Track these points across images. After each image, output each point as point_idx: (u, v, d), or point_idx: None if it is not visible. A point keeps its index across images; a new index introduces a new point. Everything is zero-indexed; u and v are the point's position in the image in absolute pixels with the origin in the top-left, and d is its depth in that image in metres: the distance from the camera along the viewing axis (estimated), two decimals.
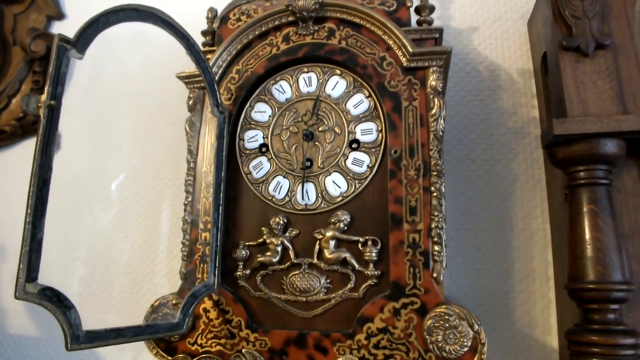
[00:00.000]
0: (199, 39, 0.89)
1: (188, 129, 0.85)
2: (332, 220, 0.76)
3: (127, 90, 1.25)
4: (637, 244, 0.71)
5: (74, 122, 1.21)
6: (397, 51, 0.77)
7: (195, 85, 0.86)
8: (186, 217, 0.82)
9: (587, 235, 0.69)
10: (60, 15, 1.38)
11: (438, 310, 0.68)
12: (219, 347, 0.75)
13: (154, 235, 1.13)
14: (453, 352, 0.66)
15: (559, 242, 0.85)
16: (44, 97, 0.58)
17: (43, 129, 0.57)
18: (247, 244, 0.79)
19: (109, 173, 1.21)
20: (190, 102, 0.86)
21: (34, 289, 0.54)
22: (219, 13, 0.92)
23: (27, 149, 1.30)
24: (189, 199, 0.82)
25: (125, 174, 1.20)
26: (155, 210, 1.14)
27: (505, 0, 1.04)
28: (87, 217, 1.20)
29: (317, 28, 0.82)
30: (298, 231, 0.78)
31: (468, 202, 0.97)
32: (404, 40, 0.76)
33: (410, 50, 0.76)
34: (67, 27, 1.36)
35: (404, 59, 0.77)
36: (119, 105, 1.25)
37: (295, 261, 0.76)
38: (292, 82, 0.84)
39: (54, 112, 0.58)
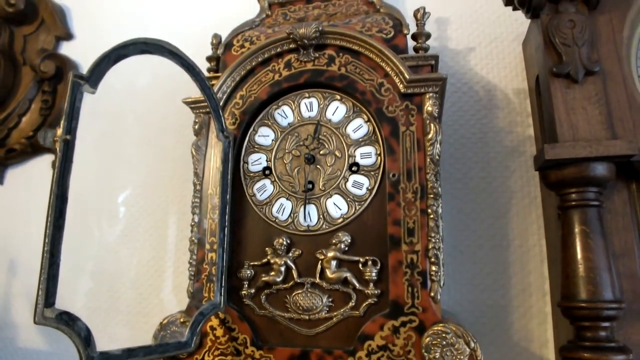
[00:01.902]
0: (203, 63, 0.93)
1: (194, 153, 0.88)
2: (334, 241, 0.79)
3: (135, 109, 1.28)
4: (627, 262, 0.74)
5: (82, 138, 1.25)
6: (394, 78, 0.81)
7: (201, 110, 0.89)
8: (193, 238, 0.85)
9: (579, 255, 0.71)
10: (68, 36, 1.42)
11: (436, 328, 0.71)
12: None
13: (160, 251, 1.16)
14: None
15: (554, 258, 0.88)
16: (59, 131, 0.61)
17: (59, 162, 0.60)
18: (251, 263, 0.83)
19: (117, 189, 1.25)
20: (196, 127, 0.89)
21: (52, 313, 0.57)
22: (223, 39, 0.96)
23: (36, 166, 1.34)
24: (196, 220, 0.85)
25: (132, 189, 1.23)
26: (161, 227, 1.18)
27: (501, 22, 1.08)
28: (94, 231, 1.23)
29: (317, 55, 0.86)
30: (301, 251, 0.81)
31: (466, 218, 0.99)
32: (400, 68, 0.79)
33: (407, 77, 0.79)
34: (75, 48, 1.41)
35: (401, 86, 0.80)
36: (126, 124, 1.28)
37: (299, 280, 0.79)
38: (294, 107, 0.87)
39: (69, 146, 0.61)
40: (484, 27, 1.08)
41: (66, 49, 1.42)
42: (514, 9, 0.89)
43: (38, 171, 1.32)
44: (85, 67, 1.38)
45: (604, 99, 0.74)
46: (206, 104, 0.83)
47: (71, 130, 0.62)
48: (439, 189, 0.77)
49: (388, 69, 0.81)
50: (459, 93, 1.05)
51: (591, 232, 0.72)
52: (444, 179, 1.00)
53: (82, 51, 1.39)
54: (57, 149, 0.61)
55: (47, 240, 0.58)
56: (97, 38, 1.38)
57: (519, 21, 1.06)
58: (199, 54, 0.97)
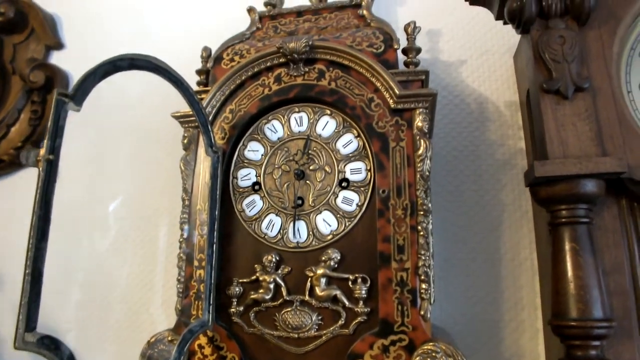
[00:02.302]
0: (192, 75, 0.92)
1: (183, 168, 0.87)
2: (323, 258, 0.78)
3: (126, 119, 1.27)
4: (618, 279, 0.73)
5: (72, 148, 1.24)
6: (384, 93, 0.80)
7: (190, 124, 0.89)
8: (181, 254, 0.84)
9: (569, 273, 0.71)
10: (59, 45, 1.41)
11: (425, 347, 0.70)
12: None
13: (150, 264, 1.15)
14: None
15: (545, 272, 0.88)
16: (42, 151, 0.60)
17: (42, 183, 0.59)
18: (240, 280, 0.82)
19: (107, 198, 1.24)
20: (185, 141, 0.89)
21: (33, 338, 0.56)
22: (213, 52, 0.95)
23: (25, 177, 1.32)
24: (184, 236, 0.84)
25: (123, 198, 1.22)
26: (151, 239, 1.16)
27: (492, 34, 1.08)
28: (85, 241, 1.22)
29: (307, 69, 0.85)
30: (290, 268, 0.80)
31: (459, 231, 0.99)
32: (391, 83, 0.79)
33: (397, 92, 0.78)
34: (65, 57, 1.39)
35: (391, 101, 0.79)
36: (116, 134, 1.27)
37: (288, 298, 0.78)
38: (283, 122, 0.86)
39: (52, 166, 0.60)
40: (475, 40, 1.08)
41: (57, 58, 1.40)
42: (505, 23, 0.89)
43: (26, 183, 1.31)
44: (75, 77, 1.38)
45: (594, 115, 0.74)
46: (195, 118, 0.83)
47: (54, 149, 0.61)
48: (429, 205, 0.76)
49: (378, 84, 0.81)
50: (450, 105, 1.05)
51: (581, 249, 0.72)
52: (435, 192, 0.99)
53: (72, 61, 1.38)
54: (40, 169, 0.60)
55: (28, 263, 0.57)
56: (88, 48, 1.37)
57: (510, 33, 1.05)
58: (189, 66, 0.97)
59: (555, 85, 0.74)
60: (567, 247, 0.72)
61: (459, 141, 1.03)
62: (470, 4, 0.91)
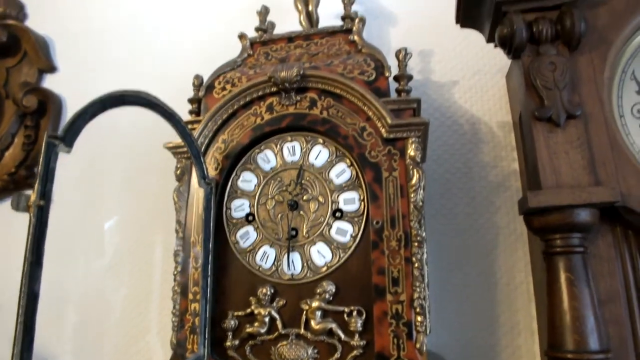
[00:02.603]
0: (184, 104, 0.92)
1: (176, 199, 0.87)
2: (318, 290, 0.78)
3: (119, 144, 1.27)
4: (613, 309, 0.73)
5: (66, 170, 1.24)
6: (376, 122, 0.80)
7: (183, 155, 0.88)
8: (176, 287, 0.83)
9: (565, 304, 0.71)
10: (52, 69, 1.40)
11: None
12: None
13: (146, 289, 1.14)
14: None
15: (541, 297, 0.87)
16: (33, 196, 0.59)
17: (34, 229, 0.58)
18: (235, 314, 0.81)
19: (102, 219, 1.23)
20: (178, 172, 0.88)
21: None
22: (204, 80, 0.95)
23: None
24: (178, 269, 0.84)
25: (118, 217, 1.22)
26: (147, 263, 1.16)
27: (483, 54, 1.08)
28: (80, 263, 1.22)
29: (299, 98, 0.85)
30: (285, 301, 0.80)
31: (453, 255, 0.99)
32: (382, 112, 0.79)
33: (389, 121, 0.78)
34: (58, 80, 1.39)
35: (383, 130, 0.79)
36: (111, 159, 1.27)
37: (283, 332, 0.78)
38: (276, 151, 0.86)
39: (43, 212, 0.59)
40: (467, 60, 1.08)
41: (50, 81, 1.40)
42: (496, 46, 0.89)
43: None
44: (69, 101, 1.38)
45: (586, 142, 0.74)
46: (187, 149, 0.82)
47: (45, 193, 0.61)
48: (424, 236, 0.76)
49: (370, 113, 0.81)
50: (443, 127, 1.04)
51: (576, 279, 0.71)
52: (429, 215, 0.99)
53: (65, 84, 1.38)
54: (31, 215, 0.59)
55: (21, 312, 0.56)
56: (81, 71, 1.36)
57: (502, 54, 1.05)
58: (183, 90, 0.97)
59: (547, 113, 0.74)
60: (562, 277, 0.72)
61: (451, 163, 1.03)
62: (462, 26, 0.91)
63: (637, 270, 0.74)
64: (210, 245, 0.82)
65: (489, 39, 0.89)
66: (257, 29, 1.00)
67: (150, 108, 0.73)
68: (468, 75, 1.07)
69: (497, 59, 1.06)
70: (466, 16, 0.88)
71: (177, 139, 0.84)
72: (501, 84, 1.05)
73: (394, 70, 0.85)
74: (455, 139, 1.04)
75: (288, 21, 1.07)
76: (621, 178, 0.72)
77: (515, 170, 0.99)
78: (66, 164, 1.26)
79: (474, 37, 1.08)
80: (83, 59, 1.38)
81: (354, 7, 1.00)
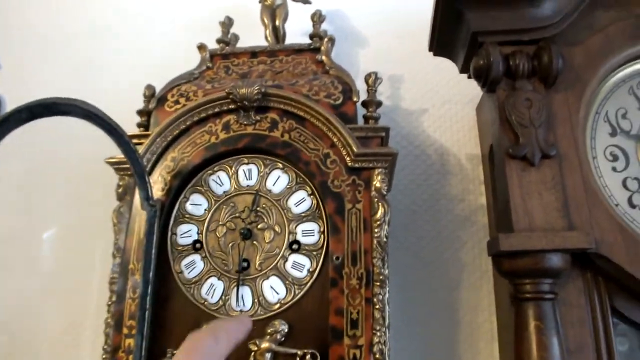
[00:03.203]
0: (133, 116, 0.84)
1: (115, 221, 0.78)
2: (269, 330, 0.70)
3: (61, 150, 1.16)
4: (582, 359, 0.69)
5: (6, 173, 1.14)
6: (341, 149, 0.74)
7: (126, 172, 0.80)
8: (109, 320, 0.74)
9: (534, 354, 0.66)
10: None
11: None
12: None
13: (80, 316, 1.03)
14: None
15: (506, 339, 0.83)
16: None
17: None
18: (175, 352, 0.72)
19: (39, 230, 1.12)
20: (120, 191, 0.80)
21: None
22: (157, 91, 0.87)
23: None
24: (113, 299, 0.75)
25: (57, 229, 1.11)
26: (84, 287, 1.05)
27: (454, 83, 1.04)
28: (13, 277, 1.10)
29: (259, 118, 0.78)
30: None
31: (415, 290, 0.93)
32: (348, 139, 0.73)
33: (355, 150, 0.73)
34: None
35: (348, 159, 0.73)
36: (50, 168, 1.16)
37: None
38: (231, 174, 0.79)
39: None
40: (438, 88, 1.04)
41: None
42: (469, 77, 0.85)
43: None
44: (10, 101, 1.26)
45: (560, 183, 0.70)
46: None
47: None
48: (387, 274, 0.70)
49: (335, 139, 0.75)
50: (410, 156, 1.00)
51: (545, 327, 0.67)
52: (393, 248, 0.93)
53: (7, 83, 1.26)
54: None
55: None
56: (25, 71, 1.25)
57: (473, 84, 1.01)
58: (134, 101, 0.89)
59: (522, 151, 0.70)
60: (531, 325, 0.67)
61: (418, 194, 0.98)
62: (435, 54, 0.87)
63: (606, 318, 0.70)
64: (151, 275, 0.74)
65: (463, 70, 0.86)
66: (218, 41, 0.93)
67: (87, 119, 0.65)
68: (438, 104, 1.04)
69: (469, 90, 1.02)
70: (440, 44, 0.84)
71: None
72: (471, 116, 1.02)
73: (362, 95, 0.80)
74: (423, 169, 0.99)
75: (253, 35, 1.00)
76: (594, 222, 0.69)
77: (482, 205, 0.96)
78: (6, 168, 1.15)
79: (446, 65, 1.05)
80: (29, 59, 1.27)
81: (324, 26, 0.95)
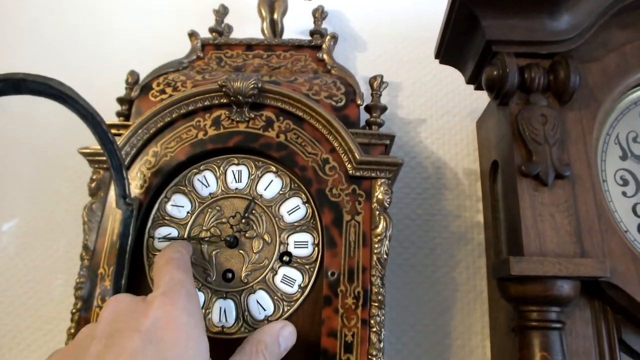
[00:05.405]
0: (113, 104, 0.76)
1: (86, 219, 0.70)
2: None
3: (29, 134, 1.06)
4: None
5: None
6: (342, 155, 0.68)
7: (101, 165, 0.72)
8: (72, 330, 0.66)
9: None
10: None
11: None
12: None
13: (45, 321, 0.94)
14: None
15: None
16: None
17: None
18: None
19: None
20: (93, 185, 0.71)
21: None
22: (141, 78, 0.79)
23: None
24: (78, 306, 0.66)
25: (19, 219, 1.01)
26: (47, 292, 0.95)
27: (454, 95, 1.00)
28: None
29: (253, 115, 0.72)
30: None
31: (405, 311, 0.88)
32: (350, 145, 0.67)
33: (357, 157, 0.67)
34: None
35: (349, 166, 0.68)
36: (16, 153, 1.06)
37: None
38: (218, 174, 0.72)
39: None
40: (438, 99, 1.00)
41: None
42: (476, 88, 0.81)
43: None
44: None
45: (574, 207, 0.66)
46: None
47: None
48: (385, 296, 0.64)
49: (335, 144, 0.69)
50: (406, 168, 0.95)
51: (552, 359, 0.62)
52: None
53: None
54: None
55: None
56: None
57: (474, 96, 0.98)
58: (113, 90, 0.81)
59: (535, 169, 0.66)
60: (537, 356, 0.62)
61: (412, 209, 0.93)
62: (441, 62, 0.82)
63: (613, 350, 0.66)
64: (123, 282, 0.66)
65: (470, 80, 0.81)
66: (211, 30, 0.86)
67: (61, 102, 0.57)
68: (437, 115, 0.99)
69: (468, 101, 0.99)
70: (448, 52, 0.79)
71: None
72: (470, 129, 0.97)
73: (366, 99, 0.74)
74: (418, 182, 0.94)
75: (247, 29, 0.94)
76: (607, 249, 0.65)
77: (479, 223, 0.91)
78: None
79: (445, 75, 1.01)
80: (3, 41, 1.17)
81: (322, 25, 0.90)
